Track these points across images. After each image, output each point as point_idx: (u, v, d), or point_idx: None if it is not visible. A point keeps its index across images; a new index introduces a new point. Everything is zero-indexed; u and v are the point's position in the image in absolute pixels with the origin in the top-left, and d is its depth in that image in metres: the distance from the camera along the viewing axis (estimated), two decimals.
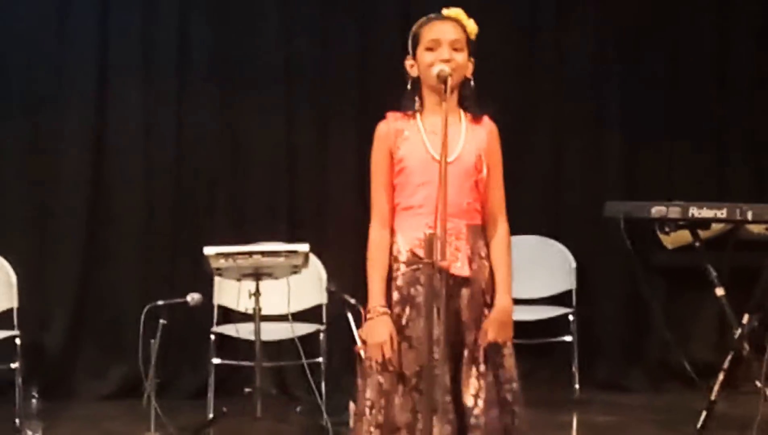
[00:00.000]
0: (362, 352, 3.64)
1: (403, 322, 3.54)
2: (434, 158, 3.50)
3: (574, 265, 6.74)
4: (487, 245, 3.66)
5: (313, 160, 6.90)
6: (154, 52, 6.79)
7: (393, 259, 3.59)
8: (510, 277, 3.68)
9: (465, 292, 3.56)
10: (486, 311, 3.58)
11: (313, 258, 5.81)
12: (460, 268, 3.54)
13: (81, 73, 6.77)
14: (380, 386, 3.54)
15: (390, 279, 3.58)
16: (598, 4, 7.02)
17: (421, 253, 3.39)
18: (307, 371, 5.87)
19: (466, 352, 3.55)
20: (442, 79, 3.43)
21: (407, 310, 3.54)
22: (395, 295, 3.56)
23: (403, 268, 3.57)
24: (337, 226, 6.73)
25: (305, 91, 6.89)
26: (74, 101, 6.76)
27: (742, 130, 7.06)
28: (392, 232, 3.62)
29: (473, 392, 3.53)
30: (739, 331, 5.25)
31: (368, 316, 3.55)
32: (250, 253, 5.08)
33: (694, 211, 5.18)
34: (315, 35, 6.89)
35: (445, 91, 3.40)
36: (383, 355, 3.49)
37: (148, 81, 6.79)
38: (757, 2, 7.01)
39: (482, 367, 3.55)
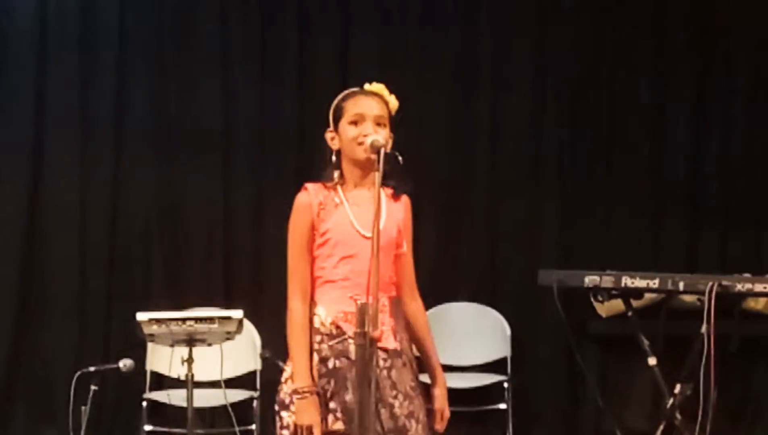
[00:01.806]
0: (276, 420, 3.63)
1: (329, 395, 3.53)
2: (359, 232, 3.53)
3: (509, 332, 6.74)
4: (403, 317, 3.67)
5: (249, 225, 6.88)
6: (90, 112, 6.76)
7: (314, 331, 3.57)
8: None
9: (398, 363, 3.56)
10: (413, 383, 3.59)
11: (247, 324, 5.78)
12: (386, 340, 3.55)
13: (16, 131, 6.72)
14: None
15: (314, 351, 3.56)
16: (535, 68, 7.08)
17: (345, 326, 3.45)
18: None
19: (414, 423, 3.56)
20: (375, 150, 3.44)
21: (332, 382, 3.53)
22: (321, 369, 3.54)
23: (326, 340, 3.56)
24: (272, 292, 6.68)
25: (243, 155, 6.89)
26: (8, 161, 6.71)
27: (680, 197, 7.12)
28: (313, 303, 3.60)
29: None
30: (671, 400, 5.28)
31: (297, 396, 3.52)
32: (184, 320, 5.03)
33: (627, 281, 5.22)
34: (254, 99, 6.90)
35: (378, 161, 3.40)
36: None
37: (83, 143, 6.75)
38: (696, 67, 7.11)
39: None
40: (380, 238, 3.39)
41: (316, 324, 3.57)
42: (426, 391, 3.71)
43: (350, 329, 3.48)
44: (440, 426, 3.66)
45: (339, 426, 3.50)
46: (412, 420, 3.57)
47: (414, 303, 3.73)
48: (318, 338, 3.56)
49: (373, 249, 3.23)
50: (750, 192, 7.05)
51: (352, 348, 3.44)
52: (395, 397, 3.54)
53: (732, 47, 7.12)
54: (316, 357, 3.55)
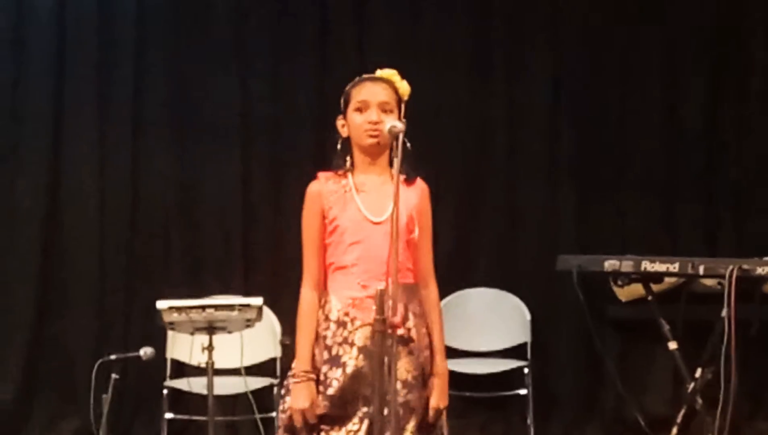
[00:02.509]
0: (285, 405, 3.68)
1: (329, 381, 3.57)
2: (366, 218, 3.57)
3: (528, 317, 6.74)
4: (421, 304, 3.67)
5: (268, 212, 6.88)
6: (109, 101, 6.78)
7: (324, 317, 3.62)
8: (443, 340, 3.71)
9: (403, 350, 3.57)
10: (416, 373, 3.61)
11: (267, 311, 5.79)
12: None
13: (35, 122, 6.74)
14: None
15: (320, 338, 3.62)
16: (551, 56, 7.06)
17: (353, 311, 3.52)
18: (260, 426, 5.83)
19: (411, 413, 3.57)
20: (394, 135, 3.44)
21: (334, 369, 3.57)
22: (324, 355, 3.59)
23: (333, 327, 3.60)
24: (292, 279, 6.67)
25: (262, 142, 6.90)
26: (27, 149, 6.73)
27: (698, 180, 7.10)
28: (326, 292, 3.65)
29: None
30: (692, 384, 5.27)
31: (293, 380, 3.60)
32: (203, 307, 5.04)
33: (647, 265, 5.21)
34: (272, 85, 6.90)
35: (397, 147, 3.39)
36: (304, 421, 3.56)
37: (102, 132, 6.76)
38: (710, 55, 7.08)
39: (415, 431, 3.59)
40: (388, 223, 3.45)
41: (326, 311, 3.62)
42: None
43: (359, 314, 3.55)
44: (429, 417, 3.65)
45: (334, 414, 3.56)
46: (408, 410, 3.58)
47: (424, 291, 3.72)
48: (325, 325, 3.61)
49: (392, 234, 3.23)
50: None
51: (358, 335, 3.52)
52: (407, 383, 3.55)
53: (747, 29, 7.09)
54: (321, 343, 3.60)
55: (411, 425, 3.58)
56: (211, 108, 6.84)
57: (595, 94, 7.06)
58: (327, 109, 6.68)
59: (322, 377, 3.59)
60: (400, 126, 3.45)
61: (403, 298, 3.57)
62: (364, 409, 3.52)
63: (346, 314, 3.58)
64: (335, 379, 3.56)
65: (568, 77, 7.05)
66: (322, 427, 3.58)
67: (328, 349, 3.59)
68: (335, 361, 3.57)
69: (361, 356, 3.54)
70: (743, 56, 7.11)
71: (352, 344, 3.56)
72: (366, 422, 3.52)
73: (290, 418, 3.60)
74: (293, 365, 3.67)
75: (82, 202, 6.75)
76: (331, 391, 3.57)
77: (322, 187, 3.67)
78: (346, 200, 3.63)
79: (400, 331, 3.54)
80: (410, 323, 3.60)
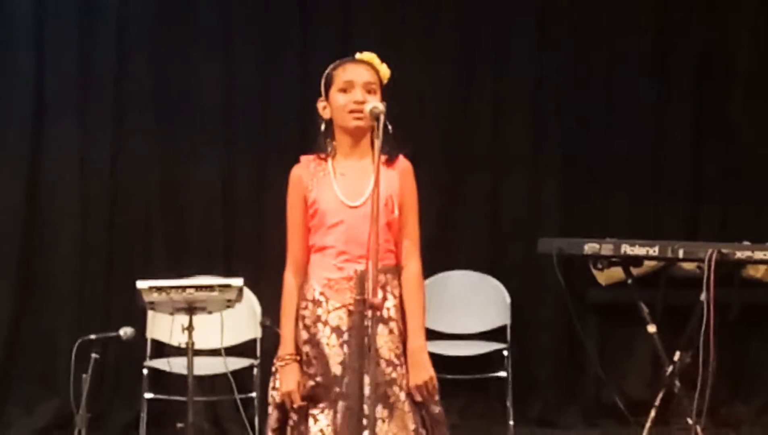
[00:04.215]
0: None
1: (310, 359, 3.65)
2: (343, 202, 3.61)
3: (508, 300, 6.76)
4: (401, 285, 3.68)
5: (249, 194, 6.88)
6: (90, 86, 6.75)
7: (302, 297, 3.67)
8: (422, 316, 3.70)
9: (384, 330, 3.59)
10: (398, 351, 3.64)
11: (247, 292, 5.79)
12: None
13: (15, 107, 6.71)
14: (281, 421, 3.70)
15: (299, 318, 3.68)
16: (537, 40, 7.07)
17: (329, 292, 3.58)
18: (240, 406, 5.83)
19: (396, 389, 3.60)
20: (375, 116, 3.44)
21: (311, 348, 3.65)
22: (304, 334, 3.67)
23: (310, 306, 3.65)
24: (272, 261, 6.67)
25: (243, 127, 6.89)
26: (8, 135, 6.69)
27: (681, 168, 7.13)
28: (306, 274, 3.70)
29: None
30: (671, 367, 5.29)
31: (279, 364, 3.69)
32: (184, 287, 5.03)
33: (627, 248, 5.21)
34: (254, 73, 6.88)
35: (378, 127, 3.40)
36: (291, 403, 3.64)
37: (83, 114, 6.74)
38: (696, 41, 7.10)
39: (407, 407, 3.61)
40: (366, 206, 3.51)
41: (305, 291, 3.67)
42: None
43: (333, 296, 3.61)
44: (415, 397, 3.67)
45: (319, 392, 3.63)
46: (395, 386, 3.61)
47: (407, 267, 3.72)
48: (303, 305, 3.66)
49: (372, 215, 3.25)
50: (751, 161, 7.04)
51: (332, 316, 3.59)
52: (377, 364, 3.55)
53: (734, 20, 7.10)
54: (300, 323, 3.67)
55: (402, 401, 3.60)
56: (194, 92, 6.83)
57: (581, 81, 7.07)
58: (311, 97, 6.70)
59: (305, 357, 3.66)
60: (381, 107, 3.46)
61: (382, 279, 3.58)
62: (336, 390, 3.58)
63: (322, 294, 3.64)
64: (314, 357, 3.63)
65: (554, 64, 7.06)
66: (309, 405, 3.65)
67: (307, 328, 3.65)
68: (313, 341, 3.64)
69: (333, 336, 3.60)
70: (730, 43, 7.13)
71: (325, 323, 3.62)
72: (341, 403, 3.56)
73: (281, 396, 3.69)
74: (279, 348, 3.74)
75: (63, 184, 6.72)
76: (312, 370, 3.64)
77: (303, 171, 3.72)
78: (324, 184, 3.67)
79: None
80: (389, 303, 3.62)
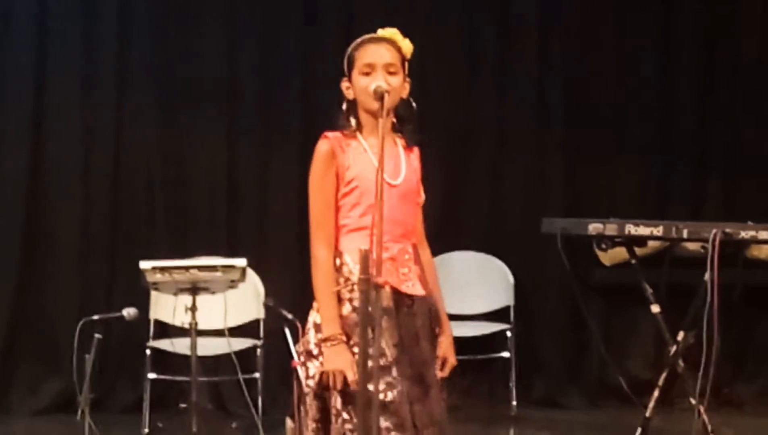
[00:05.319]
0: (299, 370, 3.60)
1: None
2: (385, 181, 3.41)
3: (512, 281, 6.76)
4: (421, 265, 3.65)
5: (253, 175, 6.87)
6: (94, 64, 6.74)
7: (344, 280, 3.51)
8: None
9: (421, 310, 3.55)
10: (435, 331, 3.61)
11: (250, 272, 5.79)
12: (413, 287, 3.55)
13: (18, 85, 6.70)
14: (324, 410, 3.51)
15: (346, 300, 3.51)
16: (541, 21, 7.05)
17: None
18: (244, 387, 5.84)
19: (431, 370, 3.57)
20: (379, 96, 3.41)
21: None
22: (354, 317, 3.47)
23: (356, 288, 3.45)
24: (275, 241, 6.71)
25: (247, 105, 6.87)
26: (11, 113, 6.69)
27: (686, 147, 7.12)
28: (338, 252, 3.55)
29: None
30: (674, 348, 5.29)
31: (327, 344, 3.47)
32: (187, 268, 5.04)
33: (631, 229, 5.20)
34: (257, 50, 6.87)
35: (382, 108, 3.37)
36: (345, 382, 3.43)
37: (87, 94, 6.73)
38: (703, 19, 7.08)
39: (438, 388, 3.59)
40: (402, 186, 3.50)
41: (345, 273, 3.52)
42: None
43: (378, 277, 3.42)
44: (443, 373, 3.66)
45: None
46: (430, 367, 3.57)
47: (424, 252, 3.71)
48: (350, 287, 3.49)
49: (377, 195, 3.19)
50: (757, 140, 7.03)
51: (383, 294, 3.37)
52: (416, 345, 3.52)
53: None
54: (348, 306, 3.50)
55: (434, 377, 3.56)
56: (196, 73, 6.81)
57: (585, 59, 7.06)
58: (314, 76, 6.74)
59: (356, 339, 3.43)
60: (384, 86, 3.44)
61: (416, 258, 3.59)
62: (394, 371, 3.46)
63: None
64: (371, 339, 3.35)
65: (558, 42, 7.04)
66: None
67: (356, 310, 3.45)
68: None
69: (385, 317, 3.43)
70: (738, 22, 7.11)
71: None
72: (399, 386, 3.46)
73: (320, 383, 3.49)
74: (308, 330, 3.55)
75: (66, 165, 6.72)
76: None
77: (336, 146, 3.56)
78: (361, 161, 3.55)
79: (419, 292, 3.54)
80: (415, 284, 3.57)
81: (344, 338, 3.48)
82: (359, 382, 3.23)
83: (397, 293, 3.49)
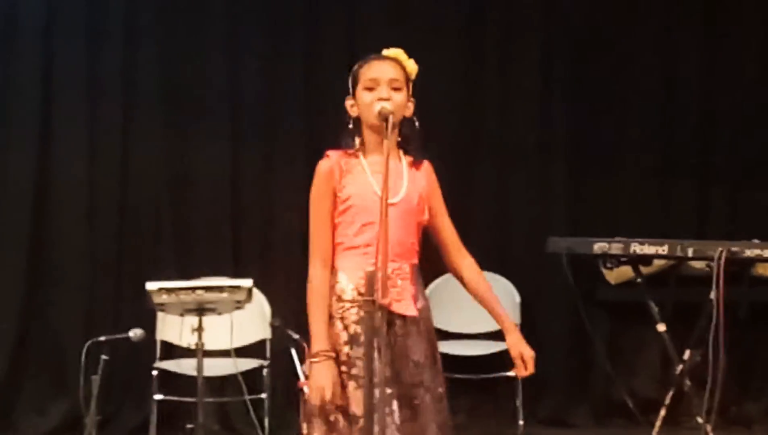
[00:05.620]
0: (306, 389, 3.63)
1: (352, 361, 3.52)
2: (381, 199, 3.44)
3: (518, 299, 6.75)
4: (422, 285, 3.68)
5: (258, 194, 6.88)
6: (99, 81, 6.75)
7: (336, 298, 3.57)
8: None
9: (414, 330, 3.57)
10: (428, 353, 3.61)
11: (257, 293, 5.79)
12: (406, 307, 3.56)
13: (24, 101, 6.71)
14: (327, 426, 3.53)
15: (337, 319, 3.56)
16: (543, 37, 7.06)
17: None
18: (250, 407, 5.84)
19: (422, 392, 3.57)
20: (384, 117, 3.44)
21: (355, 348, 3.52)
22: (344, 335, 3.54)
23: (347, 306, 3.56)
24: (281, 261, 6.71)
25: (252, 123, 6.88)
26: (16, 129, 6.70)
27: (689, 161, 7.12)
28: (334, 270, 3.60)
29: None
30: (681, 366, 5.28)
31: (313, 360, 3.52)
32: (193, 289, 5.04)
33: (636, 248, 5.20)
34: (262, 66, 6.89)
35: (387, 128, 3.40)
36: (322, 399, 3.48)
37: (92, 111, 6.73)
38: (702, 39, 7.09)
39: (440, 406, 3.60)
40: (401, 204, 3.52)
41: (338, 291, 3.57)
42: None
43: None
44: (520, 371, 3.73)
45: (360, 395, 3.44)
46: (420, 389, 3.57)
47: (465, 260, 3.80)
48: (341, 305, 3.56)
49: (381, 215, 3.22)
50: (761, 153, 7.03)
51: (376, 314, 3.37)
52: (405, 365, 3.54)
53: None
54: (339, 324, 3.55)
55: (426, 404, 3.57)
56: (202, 89, 6.83)
57: (588, 74, 7.06)
58: (317, 90, 6.75)
59: (344, 357, 3.53)
60: (388, 107, 3.47)
61: (413, 278, 3.61)
62: (388, 390, 3.48)
63: (360, 294, 3.50)
64: (358, 358, 3.49)
65: (560, 56, 7.05)
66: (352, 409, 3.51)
67: (347, 328, 3.54)
68: (356, 340, 3.52)
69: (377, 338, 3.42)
70: (739, 31, 7.12)
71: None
72: (395, 402, 3.49)
73: (315, 395, 3.53)
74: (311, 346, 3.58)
75: (72, 184, 6.72)
76: (355, 371, 3.50)
77: (334, 165, 3.61)
78: (359, 180, 3.60)
79: (411, 312, 3.56)
80: (420, 304, 3.61)
81: (332, 355, 3.52)
82: (364, 403, 3.23)
83: (388, 313, 3.49)
